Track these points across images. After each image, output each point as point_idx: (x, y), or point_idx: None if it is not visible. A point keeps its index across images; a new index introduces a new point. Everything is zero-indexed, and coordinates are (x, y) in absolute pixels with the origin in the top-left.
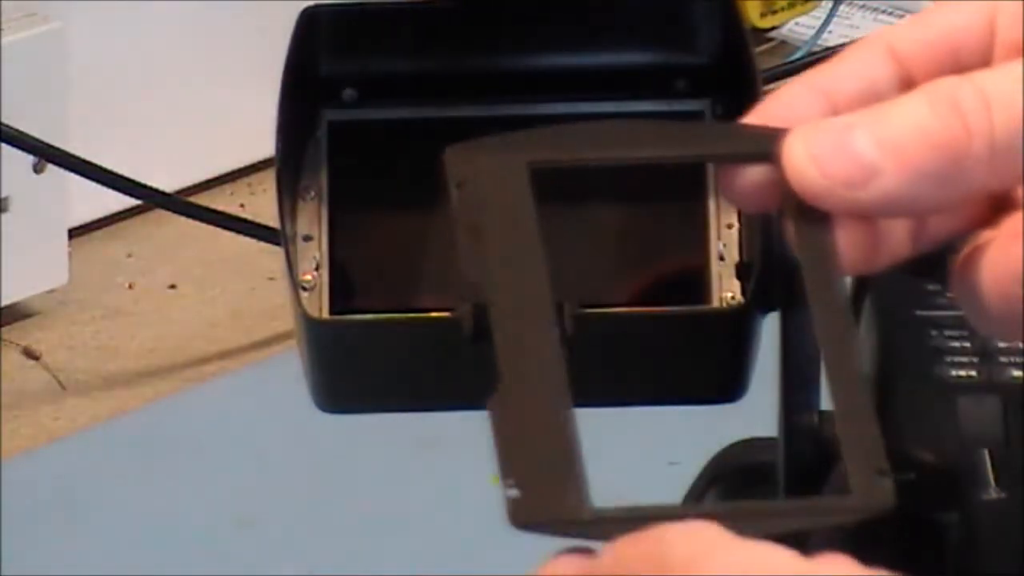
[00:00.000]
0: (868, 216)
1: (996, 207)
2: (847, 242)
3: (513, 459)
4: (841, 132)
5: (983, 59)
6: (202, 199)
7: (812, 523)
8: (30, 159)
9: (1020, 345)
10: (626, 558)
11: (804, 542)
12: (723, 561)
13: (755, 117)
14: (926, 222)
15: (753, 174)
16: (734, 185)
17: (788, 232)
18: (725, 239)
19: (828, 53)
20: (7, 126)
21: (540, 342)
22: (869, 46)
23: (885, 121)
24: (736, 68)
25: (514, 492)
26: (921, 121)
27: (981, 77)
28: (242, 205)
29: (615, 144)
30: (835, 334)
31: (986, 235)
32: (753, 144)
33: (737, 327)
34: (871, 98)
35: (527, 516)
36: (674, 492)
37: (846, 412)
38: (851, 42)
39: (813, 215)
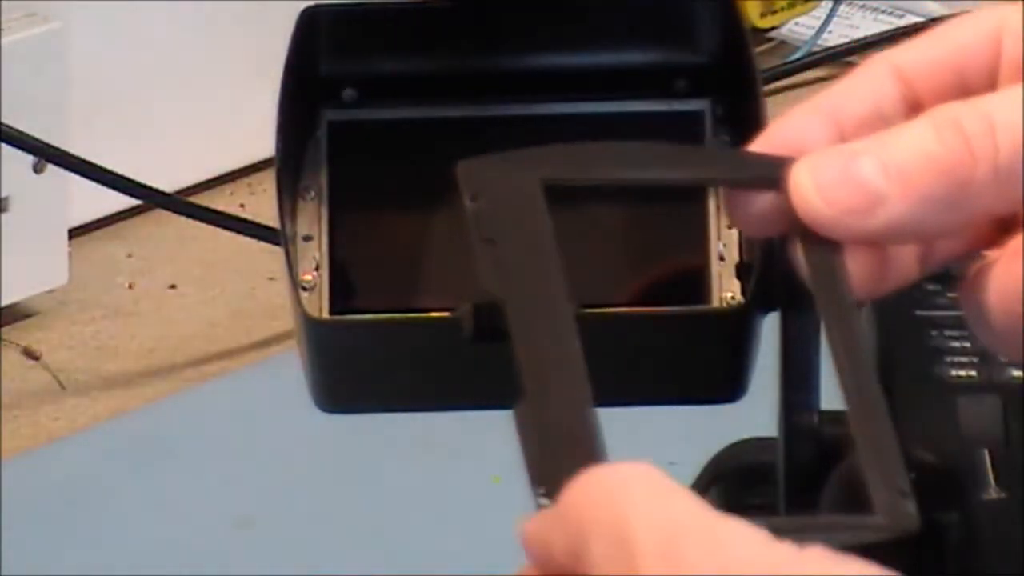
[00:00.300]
0: (876, 243)
1: (1003, 228)
2: (855, 267)
3: (542, 467)
4: (847, 160)
5: (989, 78)
6: (202, 199)
7: (837, 541)
8: (30, 159)
9: None
10: (586, 543)
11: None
12: (698, 551)
13: (762, 141)
14: (933, 245)
15: (760, 200)
16: (741, 211)
17: (796, 257)
18: (725, 239)
19: (828, 53)
20: (7, 126)
21: (561, 348)
22: (875, 68)
23: (890, 148)
24: (736, 68)
25: (545, 500)
26: (926, 147)
27: (985, 101)
28: (242, 205)
29: (626, 164)
30: (853, 359)
31: (992, 255)
32: (760, 170)
33: (737, 327)
34: (877, 121)
35: None
36: None
37: (866, 435)
38: (851, 42)
39: (821, 241)
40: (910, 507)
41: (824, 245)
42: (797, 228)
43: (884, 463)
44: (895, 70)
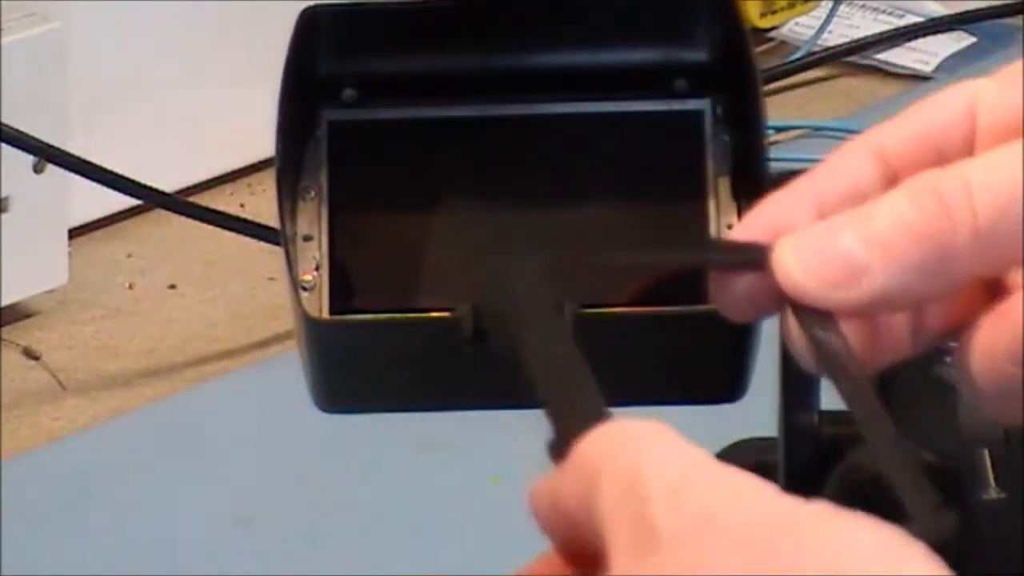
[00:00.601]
0: (863, 314)
1: (992, 295)
2: (850, 333)
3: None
4: (827, 235)
5: (967, 151)
6: (202, 199)
7: None
8: (30, 159)
9: None
10: (597, 488)
11: None
12: (707, 498)
13: (745, 225)
14: (925, 318)
15: (745, 283)
16: (727, 295)
17: (792, 334)
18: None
19: (828, 53)
20: (7, 126)
21: (570, 362)
22: (854, 150)
23: (869, 219)
24: (736, 68)
25: None
26: (904, 215)
27: (961, 166)
28: (242, 205)
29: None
30: (870, 408)
31: (980, 319)
32: (745, 254)
33: (737, 327)
34: (857, 200)
35: None
36: None
37: (889, 461)
38: (851, 42)
39: (813, 313)
40: (944, 513)
41: (817, 317)
42: (788, 306)
43: (911, 478)
44: (873, 150)
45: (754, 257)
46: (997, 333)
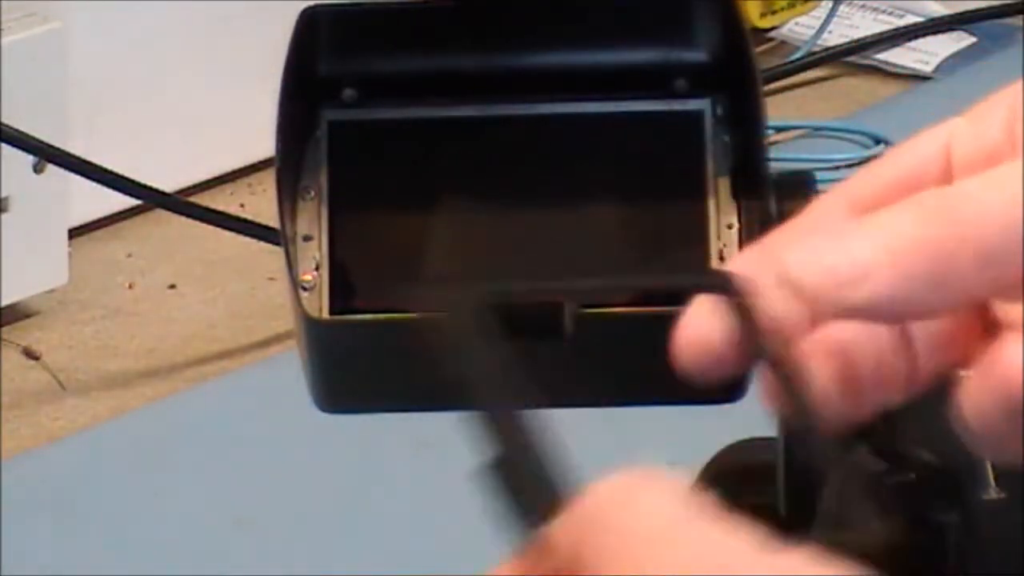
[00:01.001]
0: (862, 318)
1: (987, 327)
2: (826, 380)
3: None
4: (837, 236)
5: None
6: (202, 199)
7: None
8: (30, 159)
9: None
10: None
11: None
12: (681, 554)
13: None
14: (918, 355)
15: (703, 328)
16: (686, 344)
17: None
18: (725, 239)
19: (828, 53)
20: (7, 126)
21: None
22: (830, 202)
23: (878, 227)
24: (736, 67)
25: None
26: (912, 227)
27: (967, 183)
28: (242, 205)
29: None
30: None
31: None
32: (714, 279)
33: None
34: None
35: None
36: None
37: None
38: (851, 42)
39: (783, 364)
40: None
41: (787, 372)
42: (759, 346)
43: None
44: (850, 204)
45: (724, 283)
46: (984, 390)
